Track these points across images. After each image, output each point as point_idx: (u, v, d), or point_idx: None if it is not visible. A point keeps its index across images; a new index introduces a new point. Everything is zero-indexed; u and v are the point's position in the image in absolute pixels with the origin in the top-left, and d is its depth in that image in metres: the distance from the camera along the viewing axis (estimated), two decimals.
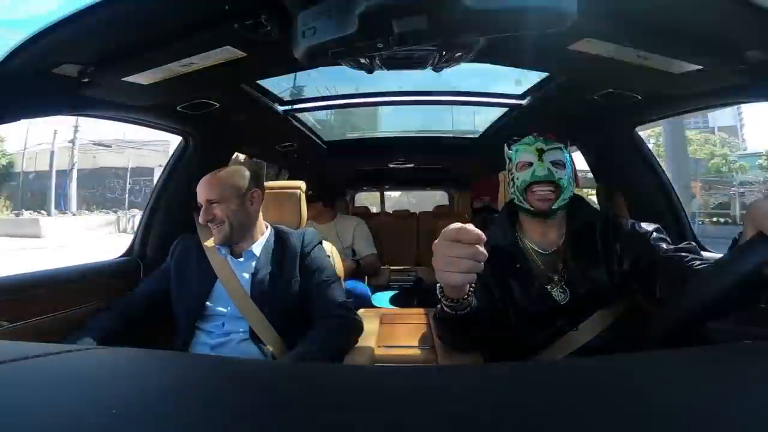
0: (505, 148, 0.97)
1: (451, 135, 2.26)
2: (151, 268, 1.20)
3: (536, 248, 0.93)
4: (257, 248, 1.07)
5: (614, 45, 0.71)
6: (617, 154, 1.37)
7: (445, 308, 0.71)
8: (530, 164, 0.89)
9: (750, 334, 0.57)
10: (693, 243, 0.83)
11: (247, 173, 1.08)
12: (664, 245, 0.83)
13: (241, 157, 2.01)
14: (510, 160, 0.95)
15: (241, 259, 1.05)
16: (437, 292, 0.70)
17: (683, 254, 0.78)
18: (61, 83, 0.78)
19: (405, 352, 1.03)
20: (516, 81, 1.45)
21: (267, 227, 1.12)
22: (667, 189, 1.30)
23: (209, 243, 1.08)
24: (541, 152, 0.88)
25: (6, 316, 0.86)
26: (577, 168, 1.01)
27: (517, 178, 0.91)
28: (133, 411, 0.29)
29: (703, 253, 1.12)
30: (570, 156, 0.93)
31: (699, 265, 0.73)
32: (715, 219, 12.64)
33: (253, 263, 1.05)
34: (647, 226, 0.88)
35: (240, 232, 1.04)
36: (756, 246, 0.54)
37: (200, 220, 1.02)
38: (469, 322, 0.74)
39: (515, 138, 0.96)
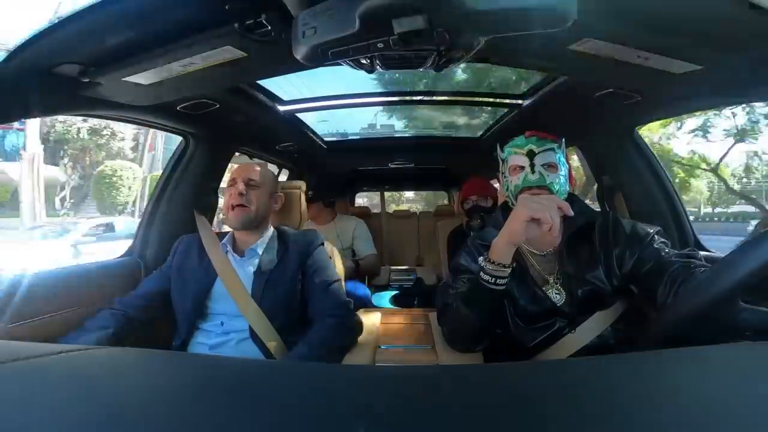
0: (498, 149, 0.96)
1: (451, 136, 2.26)
2: (151, 268, 1.20)
3: (532, 249, 0.92)
4: (260, 247, 1.07)
5: (614, 45, 0.71)
6: (617, 154, 1.37)
7: (484, 276, 0.78)
8: (522, 168, 0.88)
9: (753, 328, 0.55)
10: (696, 250, 0.82)
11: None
12: (666, 249, 0.81)
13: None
14: (502, 162, 0.94)
15: (244, 257, 1.06)
16: (482, 262, 0.79)
17: (687, 260, 0.76)
18: (61, 83, 0.78)
19: (405, 352, 1.03)
20: (516, 81, 1.45)
21: (270, 227, 1.13)
22: (668, 190, 1.30)
23: (211, 240, 1.08)
24: (532, 155, 0.87)
25: (6, 316, 0.86)
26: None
27: (510, 182, 0.90)
28: (132, 411, 0.29)
29: (704, 253, 1.12)
30: (564, 155, 0.91)
31: (703, 272, 0.72)
32: None
33: (256, 261, 1.05)
34: (648, 229, 0.86)
35: (257, 222, 1.07)
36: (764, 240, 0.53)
37: (231, 197, 1.05)
38: (497, 297, 0.80)
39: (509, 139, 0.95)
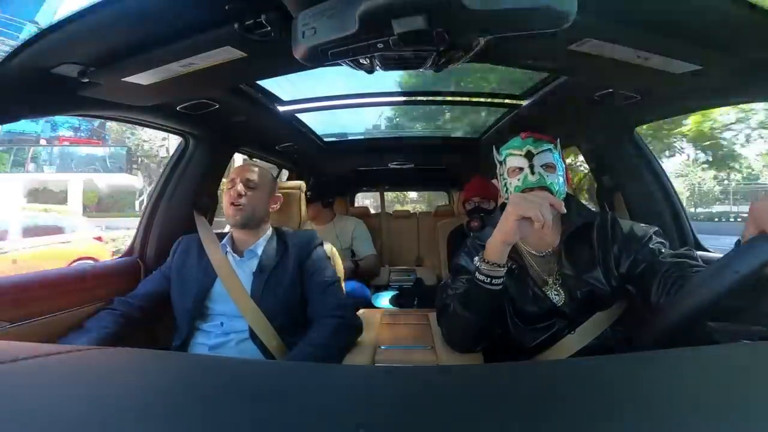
0: (494, 151, 0.96)
1: (451, 136, 2.26)
2: (151, 268, 1.20)
3: (531, 250, 0.92)
4: (259, 247, 1.07)
5: (614, 45, 0.71)
6: (617, 154, 1.37)
7: (479, 277, 0.78)
8: (521, 169, 0.88)
9: (750, 333, 0.56)
10: (692, 249, 0.82)
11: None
12: (663, 250, 0.81)
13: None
14: (500, 164, 0.94)
15: (243, 258, 1.06)
16: (477, 262, 0.79)
17: (682, 260, 0.76)
18: (61, 83, 0.78)
19: (405, 352, 1.03)
20: (516, 81, 1.45)
21: (269, 228, 1.13)
22: (667, 189, 1.30)
23: (210, 240, 1.08)
24: (530, 156, 0.87)
25: (6, 316, 0.86)
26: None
27: (510, 184, 0.90)
28: (132, 411, 0.29)
29: (702, 253, 1.12)
30: (560, 154, 0.91)
31: (697, 272, 0.72)
32: None
33: (255, 262, 1.05)
34: (646, 229, 0.86)
35: (254, 222, 1.08)
36: (757, 245, 0.54)
37: (231, 196, 1.06)
38: (493, 298, 0.79)
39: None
